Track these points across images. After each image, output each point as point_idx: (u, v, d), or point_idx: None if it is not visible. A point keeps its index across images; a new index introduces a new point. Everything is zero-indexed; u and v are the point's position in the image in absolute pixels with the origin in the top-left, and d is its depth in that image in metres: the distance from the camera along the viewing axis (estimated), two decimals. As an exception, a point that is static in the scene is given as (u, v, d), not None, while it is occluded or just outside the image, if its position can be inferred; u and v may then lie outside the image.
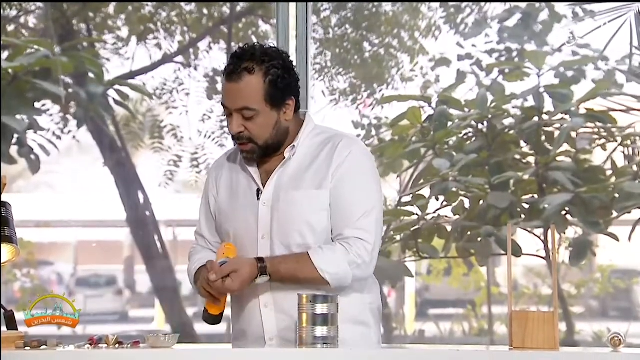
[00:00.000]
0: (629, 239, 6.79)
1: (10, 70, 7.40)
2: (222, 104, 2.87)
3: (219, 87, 9.06)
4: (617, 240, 6.72)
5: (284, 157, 2.90)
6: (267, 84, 2.83)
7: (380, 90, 8.73)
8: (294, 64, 2.94)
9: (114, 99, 8.55)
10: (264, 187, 2.90)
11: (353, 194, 2.86)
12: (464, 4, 8.12)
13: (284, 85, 2.86)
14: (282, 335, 2.83)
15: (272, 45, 2.94)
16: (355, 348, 2.73)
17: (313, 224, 2.84)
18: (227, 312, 2.99)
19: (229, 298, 2.92)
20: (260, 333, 2.87)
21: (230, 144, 8.70)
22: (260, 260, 2.78)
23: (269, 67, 2.84)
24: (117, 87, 8.45)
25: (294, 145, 2.91)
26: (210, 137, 8.87)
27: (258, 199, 2.89)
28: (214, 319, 2.84)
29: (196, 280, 2.93)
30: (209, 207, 3.03)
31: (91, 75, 8.12)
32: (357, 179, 2.88)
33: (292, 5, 4.46)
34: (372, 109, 8.63)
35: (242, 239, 2.89)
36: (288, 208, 2.84)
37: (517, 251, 6.42)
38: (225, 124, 8.69)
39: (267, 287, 2.84)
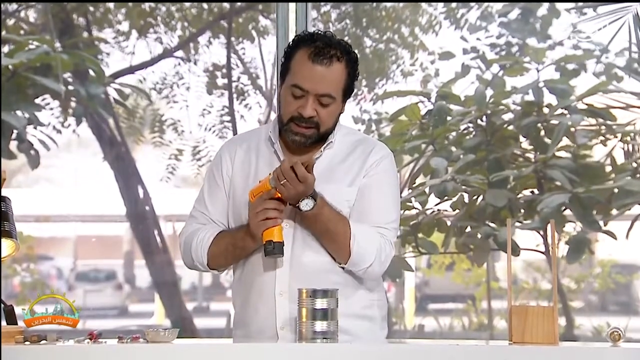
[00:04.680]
0: (627, 236, 6.79)
1: (10, 66, 7.39)
2: (295, 86, 2.79)
3: (219, 81, 9.07)
4: (615, 238, 6.73)
5: (318, 151, 2.89)
6: (346, 75, 2.84)
7: (382, 85, 8.75)
8: None
9: (113, 98, 8.55)
10: None
11: (384, 199, 2.88)
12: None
13: (355, 79, 2.89)
14: (293, 326, 2.78)
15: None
16: (354, 342, 2.73)
17: None
18: (228, 306, 2.97)
19: (242, 272, 2.90)
20: (270, 321, 2.83)
21: (230, 137, 8.72)
22: (309, 197, 2.73)
23: (349, 60, 2.84)
24: (116, 86, 8.45)
25: (330, 142, 2.90)
26: (210, 129, 8.88)
27: None
28: (279, 248, 2.75)
29: (215, 247, 2.87)
30: (218, 184, 2.97)
31: (91, 72, 8.11)
32: (388, 186, 2.90)
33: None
34: (373, 103, 8.65)
35: None
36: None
37: (514, 249, 6.43)
38: (225, 118, 8.82)
39: (286, 275, 2.82)
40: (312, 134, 2.84)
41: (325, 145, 2.90)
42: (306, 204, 2.73)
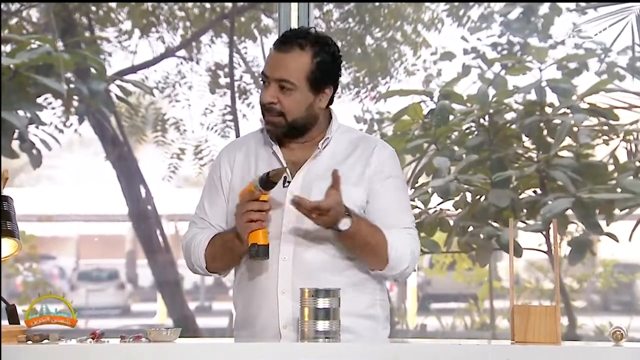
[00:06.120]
0: (630, 238, 6.78)
1: (11, 66, 7.38)
2: (262, 73, 2.85)
3: (221, 80, 9.07)
4: (617, 241, 6.73)
5: (317, 149, 2.89)
6: (313, 64, 2.84)
7: (386, 83, 8.74)
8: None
9: (115, 94, 8.55)
10: (291, 176, 2.87)
11: (399, 201, 2.91)
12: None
13: (328, 72, 2.88)
14: (296, 324, 2.76)
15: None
16: (356, 341, 2.73)
17: None
18: (230, 306, 2.96)
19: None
20: (272, 320, 2.83)
21: (233, 138, 8.74)
22: (345, 216, 2.73)
23: (319, 50, 2.85)
24: (119, 82, 8.45)
25: (328, 138, 2.91)
26: (212, 129, 8.89)
27: (284, 186, 2.85)
28: (264, 251, 2.74)
29: (210, 251, 2.88)
30: (217, 189, 2.97)
31: (93, 70, 8.11)
32: (398, 181, 2.94)
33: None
34: (376, 102, 8.65)
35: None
36: (321, 199, 2.79)
37: (517, 251, 6.44)
38: (228, 117, 8.81)
39: (288, 273, 2.82)
40: (279, 122, 2.85)
41: (322, 141, 2.90)
42: (344, 224, 2.72)
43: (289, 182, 2.87)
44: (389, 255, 2.79)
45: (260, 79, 2.88)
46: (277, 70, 2.83)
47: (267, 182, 2.70)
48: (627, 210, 6.72)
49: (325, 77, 2.87)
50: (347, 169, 2.87)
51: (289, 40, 2.84)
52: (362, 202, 2.85)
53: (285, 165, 2.87)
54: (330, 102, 2.94)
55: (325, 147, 2.90)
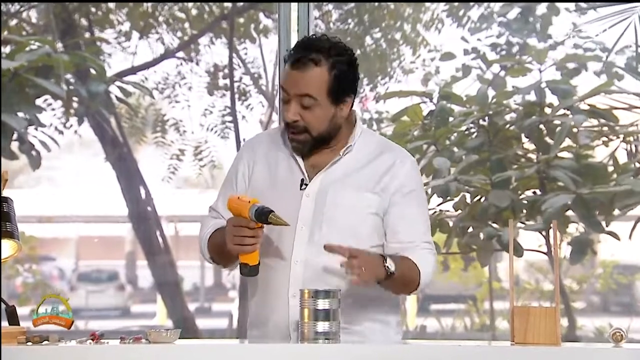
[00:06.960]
0: (630, 236, 6.78)
1: (11, 67, 7.38)
2: (281, 87, 2.83)
3: (221, 82, 9.08)
4: (618, 239, 6.73)
5: (337, 154, 2.88)
6: (331, 77, 2.80)
7: (385, 84, 8.74)
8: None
9: (115, 95, 8.55)
10: (309, 179, 2.87)
11: (421, 214, 2.91)
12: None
13: (347, 81, 2.84)
14: None
15: (339, 40, 2.90)
16: (358, 343, 2.73)
17: (357, 227, 2.83)
18: (230, 307, 2.97)
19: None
20: (283, 322, 2.83)
21: (232, 139, 8.74)
22: (384, 259, 2.71)
23: (335, 62, 2.81)
24: (118, 83, 8.45)
25: (350, 145, 2.89)
26: (212, 130, 8.89)
27: (301, 189, 2.86)
28: (255, 270, 2.75)
29: (210, 245, 2.91)
30: (231, 183, 2.98)
31: (92, 72, 8.11)
32: (420, 195, 2.94)
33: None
34: (376, 102, 8.65)
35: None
36: (335, 206, 2.82)
37: (518, 250, 6.44)
38: (227, 118, 8.81)
39: (300, 277, 2.82)
40: (305, 139, 2.84)
41: (344, 149, 2.89)
42: (390, 265, 2.71)
43: (306, 184, 2.87)
44: (420, 282, 2.81)
45: (279, 94, 2.88)
46: (296, 87, 2.79)
47: (265, 220, 2.69)
48: (627, 210, 6.71)
49: (344, 88, 2.84)
50: (366, 176, 2.86)
51: (302, 57, 2.79)
52: (377, 209, 2.84)
53: (305, 172, 2.87)
54: (351, 106, 2.92)
55: (346, 154, 2.90)
